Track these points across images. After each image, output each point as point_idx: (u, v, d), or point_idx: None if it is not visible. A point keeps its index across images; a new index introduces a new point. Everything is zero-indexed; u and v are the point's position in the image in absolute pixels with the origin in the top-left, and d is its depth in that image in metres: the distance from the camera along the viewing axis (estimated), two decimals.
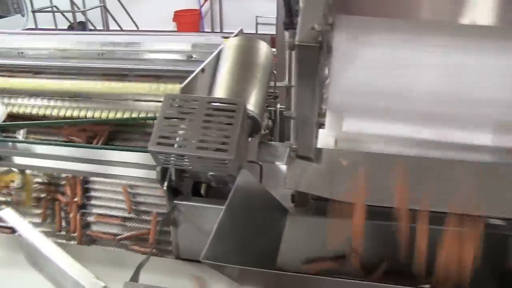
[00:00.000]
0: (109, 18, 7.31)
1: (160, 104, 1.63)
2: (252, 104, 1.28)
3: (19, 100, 1.74)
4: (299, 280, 0.80)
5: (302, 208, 1.20)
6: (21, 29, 4.95)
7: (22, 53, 2.03)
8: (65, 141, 1.66)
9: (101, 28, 7.24)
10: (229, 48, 1.46)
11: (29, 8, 6.00)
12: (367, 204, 1.00)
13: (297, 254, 1.15)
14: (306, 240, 1.17)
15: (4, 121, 1.53)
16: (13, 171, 1.69)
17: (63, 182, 1.57)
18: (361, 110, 0.93)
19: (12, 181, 1.66)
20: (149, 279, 1.15)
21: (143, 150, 1.24)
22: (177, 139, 1.14)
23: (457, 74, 0.86)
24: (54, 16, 7.17)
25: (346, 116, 0.95)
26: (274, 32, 6.39)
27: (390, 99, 0.90)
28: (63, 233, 1.53)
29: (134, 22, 7.69)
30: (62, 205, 1.55)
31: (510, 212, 0.99)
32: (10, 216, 1.34)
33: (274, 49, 1.66)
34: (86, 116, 1.66)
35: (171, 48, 1.91)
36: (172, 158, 1.15)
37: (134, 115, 1.59)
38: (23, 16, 5.13)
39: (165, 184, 1.21)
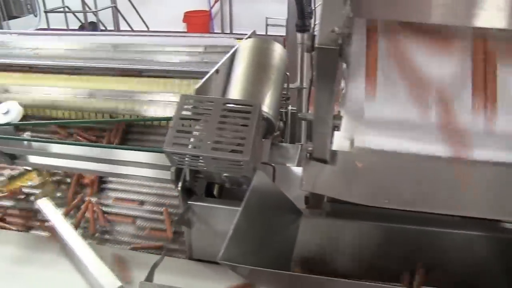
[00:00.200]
0: (120, 18, 7.34)
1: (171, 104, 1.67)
2: (266, 105, 1.28)
3: (35, 100, 1.76)
4: (317, 282, 0.80)
5: (315, 210, 1.20)
6: (33, 29, 5.00)
7: (37, 53, 2.05)
8: (79, 141, 1.68)
9: (112, 28, 7.27)
10: (244, 49, 1.47)
11: (42, 9, 6.06)
12: (382, 207, 1.00)
13: (311, 255, 1.15)
14: (319, 241, 1.17)
15: (20, 120, 1.54)
16: (31, 171, 1.72)
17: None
18: (376, 117, 0.93)
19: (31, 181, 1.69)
20: (163, 279, 1.17)
21: (158, 150, 1.24)
22: (191, 139, 1.14)
23: None
24: (65, 17, 7.23)
25: (361, 123, 0.95)
26: (284, 34, 6.42)
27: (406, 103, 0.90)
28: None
29: (144, 23, 7.72)
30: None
31: None
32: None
33: None
34: (103, 116, 1.67)
35: (183, 48, 1.92)
36: (186, 159, 1.15)
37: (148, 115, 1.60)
38: (35, 16, 5.18)
39: (179, 184, 1.22)
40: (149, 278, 1.06)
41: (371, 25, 0.85)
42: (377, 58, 0.85)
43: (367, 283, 1.08)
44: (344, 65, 0.89)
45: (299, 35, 2.42)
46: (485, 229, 1.07)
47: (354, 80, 0.84)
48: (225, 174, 1.20)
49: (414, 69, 0.88)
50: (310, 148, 1.03)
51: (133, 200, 1.56)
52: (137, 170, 1.37)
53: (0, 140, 1.45)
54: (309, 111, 2.53)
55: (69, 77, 1.79)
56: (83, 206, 1.53)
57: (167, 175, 1.26)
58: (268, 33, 6.89)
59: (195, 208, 1.25)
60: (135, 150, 1.39)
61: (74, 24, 7.46)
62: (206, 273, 1.29)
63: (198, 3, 8.32)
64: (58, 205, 1.50)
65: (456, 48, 0.87)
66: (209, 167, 1.15)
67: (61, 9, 7.07)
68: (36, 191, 1.65)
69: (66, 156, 1.42)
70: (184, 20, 8.20)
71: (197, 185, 1.28)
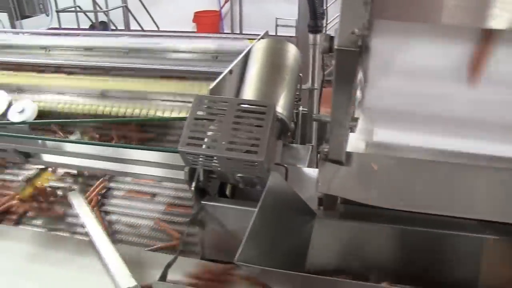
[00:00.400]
0: (130, 18, 7.38)
1: (183, 104, 1.68)
2: (281, 106, 1.28)
3: (49, 98, 1.77)
4: (335, 285, 0.80)
5: (329, 211, 1.20)
6: (45, 29, 5.04)
7: (49, 51, 2.06)
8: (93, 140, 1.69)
9: (122, 28, 7.31)
10: (258, 50, 1.47)
11: (53, 8, 6.10)
12: (398, 209, 1.00)
13: (324, 257, 1.15)
14: (333, 243, 1.16)
15: (35, 119, 1.55)
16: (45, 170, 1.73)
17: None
18: (395, 118, 0.93)
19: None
20: (176, 279, 1.17)
21: (173, 150, 1.25)
22: (205, 140, 1.15)
23: (500, 81, 0.84)
24: (77, 16, 7.28)
25: (378, 125, 0.94)
26: (293, 34, 6.41)
27: (426, 108, 0.89)
28: None
29: (155, 23, 7.75)
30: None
31: None
32: (76, 198, 1.39)
33: None
34: (117, 114, 1.68)
35: (195, 48, 1.93)
36: (200, 159, 1.15)
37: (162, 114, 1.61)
38: (47, 16, 5.23)
39: (193, 184, 1.22)
40: (163, 277, 1.06)
41: None
42: None
43: (381, 285, 1.08)
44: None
45: (311, 36, 2.41)
46: (503, 232, 1.05)
47: (373, 82, 0.84)
48: (239, 175, 1.20)
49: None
50: (326, 150, 1.02)
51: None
52: (150, 169, 1.38)
53: (15, 138, 1.46)
54: (320, 112, 2.55)
55: (82, 77, 1.81)
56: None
57: (180, 175, 1.26)
58: (278, 34, 6.89)
59: (209, 208, 1.25)
60: (148, 149, 1.39)
61: (85, 23, 7.51)
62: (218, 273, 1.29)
63: (208, 3, 8.34)
64: None
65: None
66: (224, 168, 1.15)
67: (73, 9, 7.12)
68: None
69: (79, 155, 1.43)
70: (194, 20, 8.22)
71: (210, 185, 1.28)
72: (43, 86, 1.83)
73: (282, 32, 6.64)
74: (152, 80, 1.70)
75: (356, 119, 0.97)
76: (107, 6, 7.07)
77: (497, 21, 0.74)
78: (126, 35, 2.22)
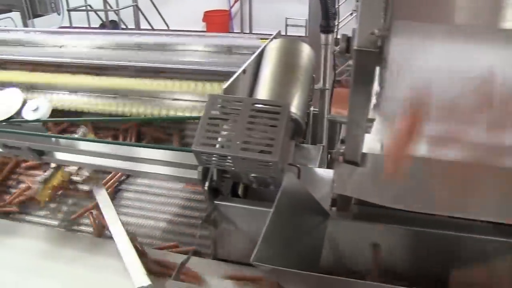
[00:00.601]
0: (140, 17, 7.41)
1: (196, 104, 1.68)
2: (295, 106, 1.28)
3: (63, 97, 1.78)
4: (357, 286, 0.79)
5: (343, 212, 1.19)
6: (57, 27, 5.08)
7: (62, 49, 2.07)
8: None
9: (133, 27, 7.34)
10: (272, 50, 1.46)
11: (65, 7, 6.14)
12: (413, 211, 0.99)
13: (338, 257, 1.14)
14: (346, 244, 1.16)
15: (49, 117, 1.55)
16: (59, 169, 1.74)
17: None
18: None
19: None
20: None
21: (187, 149, 1.25)
22: (219, 139, 1.14)
23: None
24: (87, 15, 7.32)
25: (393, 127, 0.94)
26: (303, 34, 6.39)
27: (443, 111, 0.88)
28: None
29: (165, 22, 7.79)
30: None
31: None
32: (100, 192, 1.40)
33: None
34: (131, 114, 1.69)
35: (207, 48, 1.93)
36: (214, 159, 1.15)
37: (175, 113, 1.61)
38: (59, 14, 5.27)
39: (206, 184, 1.22)
40: (176, 277, 1.06)
41: None
42: None
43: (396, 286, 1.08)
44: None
45: (323, 36, 2.41)
46: None
47: (391, 83, 0.83)
48: (252, 175, 1.20)
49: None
50: (341, 150, 1.02)
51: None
52: (163, 168, 1.37)
53: (28, 136, 1.47)
54: (330, 113, 2.54)
55: (96, 75, 1.82)
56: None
57: (193, 174, 1.26)
58: (288, 34, 6.89)
59: (222, 208, 1.25)
60: (161, 148, 1.40)
61: (95, 22, 7.56)
62: (230, 273, 1.29)
63: (218, 3, 8.35)
64: None
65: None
66: (238, 167, 1.15)
67: (83, 8, 7.16)
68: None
69: (92, 153, 1.43)
70: (204, 20, 8.24)
71: (223, 185, 1.28)
72: (56, 84, 1.83)
73: (291, 32, 6.64)
74: (166, 79, 1.70)
75: (372, 120, 0.96)
76: (117, 5, 7.12)
77: None
78: (138, 33, 2.22)
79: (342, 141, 1.02)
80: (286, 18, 7.00)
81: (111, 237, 1.40)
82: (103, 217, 1.47)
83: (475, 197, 1.02)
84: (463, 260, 1.12)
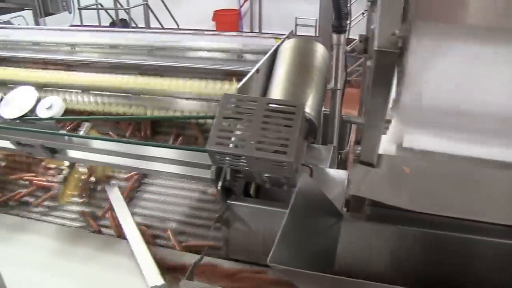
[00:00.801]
0: (150, 16, 7.42)
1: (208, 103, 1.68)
2: (309, 106, 1.27)
3: (76, 95, 1.78)
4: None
5: (356, 213, 1.18)
6: (68, 25, 5.11)
7: (75, 48, 2.08)
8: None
9: (143, 25, 7.36)
10: (286, 49, 1.46)
11: (76, 6, 6.17)
12: (428, 213, 0.98)
13: (351, 259, 1.14)
14: (360, 245, 1.15)
15: (62, 115, 1.56)
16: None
17: None
18: (430, 121, 0.91)
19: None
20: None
21: (200, 149, 1.25)
22: (232, 139, 1.14)
23: None
24: (98, 13, 7.35)
25: (412, 128, 0.93)
26: (313, 34, 6.37)
27: (461, 114, 0.87)
28: None
29: (175, 21, 7.80)
30: None
31: None
32: (113, 192, 1.40)
33: None
34: (145, 113, 1.69)
35: (219, 47, 1.92)
36: (228, 158, 1.15)
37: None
38: (70, 13, 5.30)
39: (219, 184, 1.22)
40: (190, 277, 1.06)
41: None
42: None
43: None
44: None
45: (335, 36, 2.39)
46: None
47: (410, 85, 0.82)
48: (266, 175, 1.20)
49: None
50: (357, 151, 1.01)
51: None
52: (176, 167, 1.37)
53: (42, 134, 1.47)
54: (342, 113, 2.53)
55: (108, 74, 1.81)
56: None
57: (206, 173, 1.26)
58: (297, 33, 6.87)
59: (234, 208, 1.25)
60: (174, 148, 1.39)
61: (105, 21, 7.58)
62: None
63: (228, 2, 8.35)
64: None
65: None
66: (251, 167, 1.15)
67: (94, 6, 7.19)
68: None
69: (105, 152, 1.43)
70: (213, 19, 8.24)
71: (236, 185, 1.28)
72: (69, 82, 1.84)
73: (301, 31, 6.62)
74: (178, 78, 1.70)
75: (388, 121, 0.95)
76: (128, 3, 7.14)
77: None
78: (150, 32, 2.23)
79: (358, 142, 1.02)
80: (296, 18, 6.97)
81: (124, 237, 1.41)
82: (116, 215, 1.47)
83: (491, 200, 1.01)
84: (478, 263, 1.10)
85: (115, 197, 1.42)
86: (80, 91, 1.83)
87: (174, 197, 1.59)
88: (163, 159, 1.34)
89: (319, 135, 2.26)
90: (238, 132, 1.14)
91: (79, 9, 6.73)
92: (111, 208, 1.54)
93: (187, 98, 1.68)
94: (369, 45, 0.89)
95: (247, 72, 1.40)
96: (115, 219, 1.51)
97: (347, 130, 2.96)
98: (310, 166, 1.40)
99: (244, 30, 8.44)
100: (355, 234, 1.14)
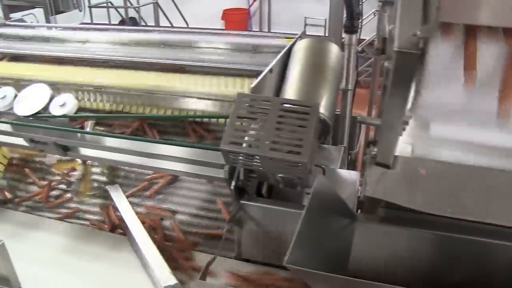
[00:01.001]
0: (160, 14, 7.44)
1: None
2: (323, 107, 1.26)
3: (88, 93, 1.79)
4: None
5: (370, 215, 1.18)
6: (78, 23, 5.13)
7: (86, 45, 2.08)
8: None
9: (152, 24, 7.38)
10: (300, 49, 1.45)
11: (86, 4, 6.20)
12: (444, 216, 0.98)
13: (365, 260, 1.13)
14: (374, 247, 1.15)
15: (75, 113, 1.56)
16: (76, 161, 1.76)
17: None
18: (449, 122, 0.90)
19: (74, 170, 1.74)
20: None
21: (214, 148, 1.24)
22: (246, 138, 1.14)
23: None
24: (108, 11, 7.38)
25: (430, 129, 0.92)
26: (322, 34, 6.35)
27: (481, 115, 0.86)
28: None
29: (184, 19, 7.81)
30: None
31: None
32: (116, 192, 1.40)
33: None
34: (159, 112, 1.69)
35: (231, 46, 1.92)
36: (241, 158, 1.15)
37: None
38: (80, 11, 5.32)
39: (233, 183, 1.22)
40: (203, 277, 1.06)
41: None
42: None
43: None
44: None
45: (347, 36, 2.38)
46: None
47: (430, 85, 0.81)
48: (280, 175, 1.19)
49: None
50: (373, 153, 1.00)
51: None
52: (188, 166, 1.37)
53: (54, 132, 1.48)
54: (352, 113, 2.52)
55: (120, 72, 1.82)
56: None
57: (219, 173, 1.26)
58: (306, 33, 6.84)
59: (247, 208, 1.25)
60: (187, 146, 1.39)
61: (115, 19, 7.61)
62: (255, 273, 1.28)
63: (237, 1, 8.35)
64: None
65: None
66: (265, 167, 1.14)
67: (104, 4, 7.22)
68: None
69: (117, 150, 1.44)
70: (222, 18, 8.24)
71: (249, 185, 1.28)
72: (81, 80, 1.84)
73: (310, 31, 6.59)
74: (190, 76, 1.70)
75: (406, 123, 0.95)
76: (138, 2, 7.16)
77: None
78: (163, 31, 2.22)
79: (372, 143, 1.01)
80: (305, 18, 6.96)
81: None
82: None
83: (509, 204, 1.00)
84: (494, 267, 1.09)
85: (118, 196, 1.41)
86: (93, 88, 1.83)
87: None
88: (176, 158, 1.34)
89: (329, 135, 2.26)
90: (252, 132, 1.14)
91: (90, 7, 6.76)
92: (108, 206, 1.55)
93: (203, 98, 1.67)
94: (386, 46, 0.88)
95: (260, 71, 1.40)
96: (110, 216, 1.52)
97: (357, 131, 2.95)
98: (323, 166, 1.40)
99: (253, 30, 8.44)
100: (369, 236, 1.14)
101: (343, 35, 2.67)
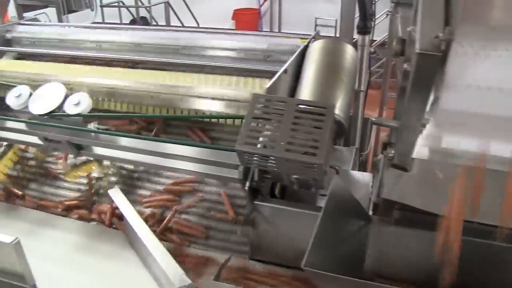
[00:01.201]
0: (171, 14, 7.46)
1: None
2: (338, 108, 1.26)
3: (103, 93, 1.79)
4: None
5: (384, 217, 1.17)
6: (90, 23, 5.17)
7: (100, 46, 2.09)
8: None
9: (163, 23, 7.40)
10: (315, 50, 1.44)
11: (98, 3, 6.23)
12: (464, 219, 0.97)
13: (379, 262, 1.12)
14: (388, 249, 1.14)
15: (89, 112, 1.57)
16: (92, 161, 1.76)
17: None
18: (468, 127, 0.89)
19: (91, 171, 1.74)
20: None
21: (229, 148, 1.24)
22: (261, 139, 1.13)
23: None
24: (119, 11, 7.42)
25: (449, 132, 0.91)
26: (332, 34, 6.33)
27: (501, 120, 0.85)
28: None
29: (195, 19, 7.83)
30: None
31: None
32: (117, 195, 1.40)
33: None
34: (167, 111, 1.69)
35: (244, 46, 1.92)
36: (256, 158, 1.14)
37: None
38: (92, 10, 5.35)
39: (247, 184, 1.21)
40: (218, 277, 1.06)
41: None
42: None
43: None
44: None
45: (360, 37, 2.37)
46: None
47: (451, 88, 0.80)
48: (294, 176, 1.19)
49: None
50: (390, 155, 1.00)
51: None
52: (202, 167, 1.37)
53: (68, 130, 1.49)
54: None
55: (133, 71, 1.82)
56: None
57: (234, 173, 1.26)
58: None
59: (261, 208, 1.24)
60: (201, 147, 1.39)
61: (126, 18, 7.65)
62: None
63: (248, 1, 8.35)
64: None
65: None
66: (280, 168, 1.14)
67: (116, 4, 7.26)
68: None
69: (131, 149, 1.44)
70: (233, 18, 8.24)
71: (263, 186, 1.27)
72: (95, 79, 1.85)
73: (321, 32, 6.57)
74: (203, 77, 1.70)
75: (424, 125, 0.94)
76: (149, 1, 7.19)
77: None
78: (175, 30, 2.23)
79: (388, 145, 1.00)
80: (316, 18, 6.94)
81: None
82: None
83: None
84: (509, 270, 1.08)
85: (120, 200, 1.40)
86: (107, 88, 1.83)
87: None
88: (190, 158, 1.34)
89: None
90: (267, 133, 1.14)
91: (101, 6, 6.80)
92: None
93: (213, 98, 1.67)
94: (406, 47, 0.87)
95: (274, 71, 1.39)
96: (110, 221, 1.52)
97: (367, 132, 2.94)
98: (336, 168, 1.39)
99: (263, 30, 8.43)
100: (384, 238, 1.13)
101: (355, 35, 2.67)
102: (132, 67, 1.86)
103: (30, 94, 1.58)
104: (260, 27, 8.47)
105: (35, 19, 2.65)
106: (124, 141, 1.45)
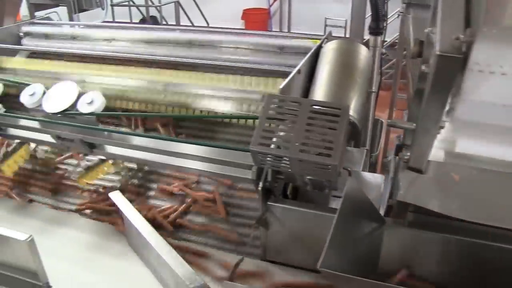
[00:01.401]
0: (181, 13, 7.48)
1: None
2: (352, 109, 1.25)
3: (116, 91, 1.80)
4: None
5: (398, 219, 1.16)
6: (100, 22, 5.19)
7: (113, 45, 2.10)
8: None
9: (173, 23, 7.42)
10: (329, 50, 1.44)
11: (109, 2, 6.26)
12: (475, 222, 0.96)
13: (393, 265, 1.12)
14: (402, 251, 1.13)
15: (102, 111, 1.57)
16: (105, 161, 1.77)
17: None
18: (485, 130, 0.88)
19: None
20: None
21: (243, 149, 1.24)
22: (275, 139, 1.13)
23: None
24: (130, 10, 7.45)
25: (466, 135, 0.90)
26: (342, 35, 6.31)
27: None
28: None
29: (205, 18, 7.84)
30: None
31: None
32: (118, 198, 1.40)
33: None
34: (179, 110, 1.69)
35: (257, 46, 1.91)
36: (269, 159, 1.14)
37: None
38: (103, 9, 5.37)
39: (260, 184, 1.21)
40: (231, 278, 1.06)
41: None
42: None
43: None
44: None
45: (372, 37, 2.37)
46: None
47: (471, 91, 0.80)
48: (308, 177, 1.18)
49: None
50: (406, 157, 0.99)
51: None
52: (215, 167, 1.37)
53: (81, 129, 1.49)
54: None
55: (145, 70, 1.83)
56: None
57: (247, 174, 1.25)
58: None
59: (274, 209, 1.24)
60: (215, 146, 1.39)
61: (135, 17, 7.68)
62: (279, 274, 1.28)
63: (257, 1, 8.36)
64: None
65: None
66: (294, 169, 1.13)
67: (127, 3, 7.29)
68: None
69: (143, 148, 1.44)
70: (242, 17, 8.25)
71: (276, 186, 1.27)
72: (108, 77, 1.86)
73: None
74: (216, 76, 1.70)
75: (442, 127, 0.93)
76: (159, 1, 7.21)
77: None
78: (187, 30, 2.23)
79: (404, 147, 1.00)
80: (326, 19, 6.92)
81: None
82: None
83: None
84: None
85: (122, 203, 1.40)
86: (120, 87, 1.84)
87: None
88: (203, 158, 1.34)
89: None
90: (281, 133, 1.13)
91: (112, 5, 6.82)
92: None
93: (225, 98, 1.67)
94: (424, 49, 0.86)
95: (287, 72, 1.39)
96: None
97: (377, 133, 2.93)
98: (349, 169, 1.39)
99: (273, 30, 8.43)
100: (398, 240, 1.12)
101: (365, 36, 2.66)
102: (144, 66, 1.86)
103: (44, 93, 1.59)
104: (269, 27, 8.47)
105: (48, 18, 2.66)
106: (137, 140, 1.45)
